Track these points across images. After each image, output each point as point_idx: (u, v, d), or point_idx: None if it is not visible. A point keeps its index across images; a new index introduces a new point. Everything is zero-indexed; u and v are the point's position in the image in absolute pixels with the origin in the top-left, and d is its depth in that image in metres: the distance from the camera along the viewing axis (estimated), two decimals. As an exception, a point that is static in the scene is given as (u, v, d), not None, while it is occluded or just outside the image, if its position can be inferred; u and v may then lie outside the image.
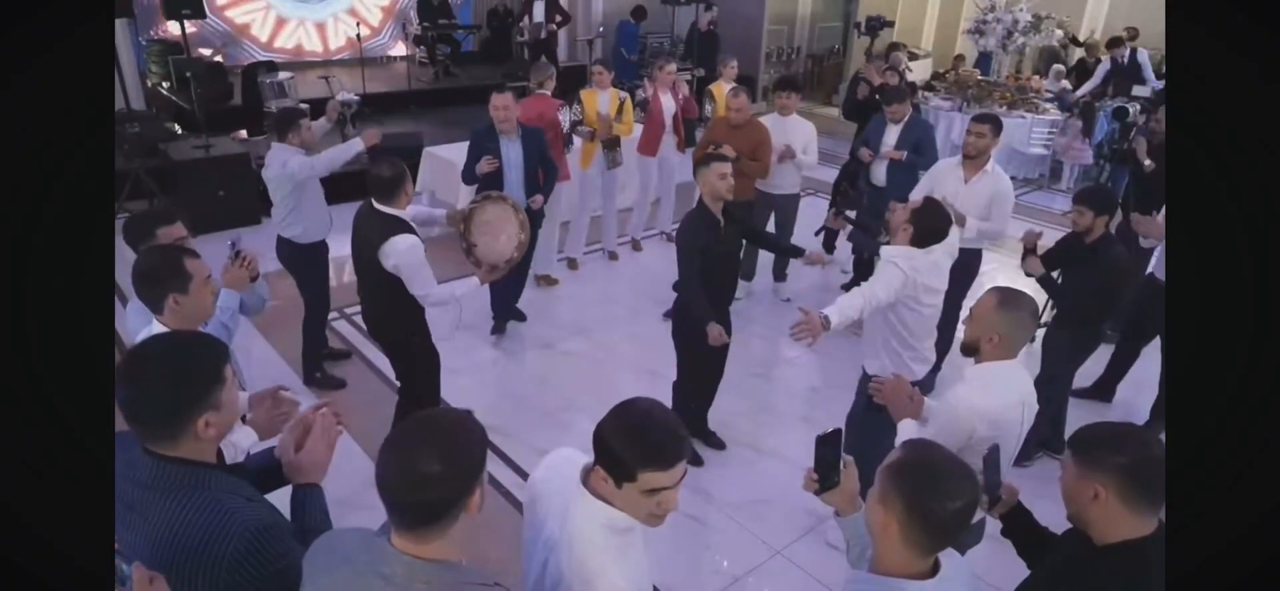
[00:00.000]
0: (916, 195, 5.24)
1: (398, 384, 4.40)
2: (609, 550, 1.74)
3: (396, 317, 4.00)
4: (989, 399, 2.58)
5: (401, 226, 3.77)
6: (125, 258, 2.56)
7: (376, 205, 3.80)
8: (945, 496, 1.64)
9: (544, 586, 1.83)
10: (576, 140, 6.72)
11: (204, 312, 2.52)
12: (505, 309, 5.91)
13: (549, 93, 6.42)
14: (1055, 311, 4.61)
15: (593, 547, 1.73)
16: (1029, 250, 4.42)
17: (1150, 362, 5.06)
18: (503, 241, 4.31)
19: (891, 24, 13.36)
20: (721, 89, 7.22)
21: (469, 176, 5.39)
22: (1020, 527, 2.36)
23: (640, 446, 1.67)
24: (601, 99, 6.69)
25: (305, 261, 4.99)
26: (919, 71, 12.20)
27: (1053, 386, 4.45)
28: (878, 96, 6.32)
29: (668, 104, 7.16)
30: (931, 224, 3.48)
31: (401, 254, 3.71)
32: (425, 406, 4.21)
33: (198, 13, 8.16)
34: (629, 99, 7.02)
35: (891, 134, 6.05)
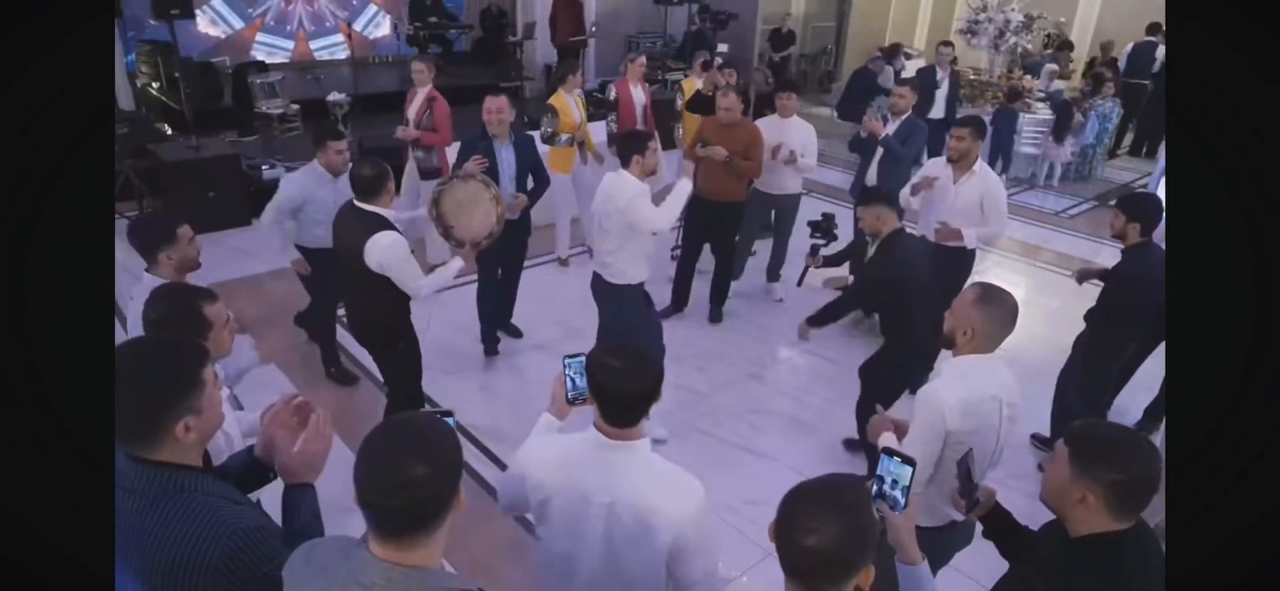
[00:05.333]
0: (907, 194, 5.32)
1: (387, 386, 4.39)
2: (670, 468, 2.09)
3: (381, 317, 3.96)
4: (959, 390, 2.60)
5: (383, 223, 3.73)
6: (124, 265, 2.51)
7: (358, 204, 3.77)
8: (803, 529, 1.48)
9: (615, 546, 2.05)
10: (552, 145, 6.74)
11: (221, 355, 2.46)
12: (493, 329, 5.72)
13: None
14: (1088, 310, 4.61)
15: (665, 473, 2.06)
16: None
17: (1149, 364, 5.09)
18: (479, 217, 4.27)
19: (736, 16, 13.28)
20: (691, 84, 7.29)
21: None
22: (1001, 529, 2.36)
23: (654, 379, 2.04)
24: (571, 103, 6.73)
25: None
26: (912, 71, 12.25)
27: (1081, 389, 4.52)
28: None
29: (638, 96, 7.28)
30: (629, 144, 4.28)
31: (384, 249, 3.67)
32: (416, 404, 4.23)
33: (186, 13, 8.12)
34: (583, 97, 7.13)
35: (889, 125, 6.21)
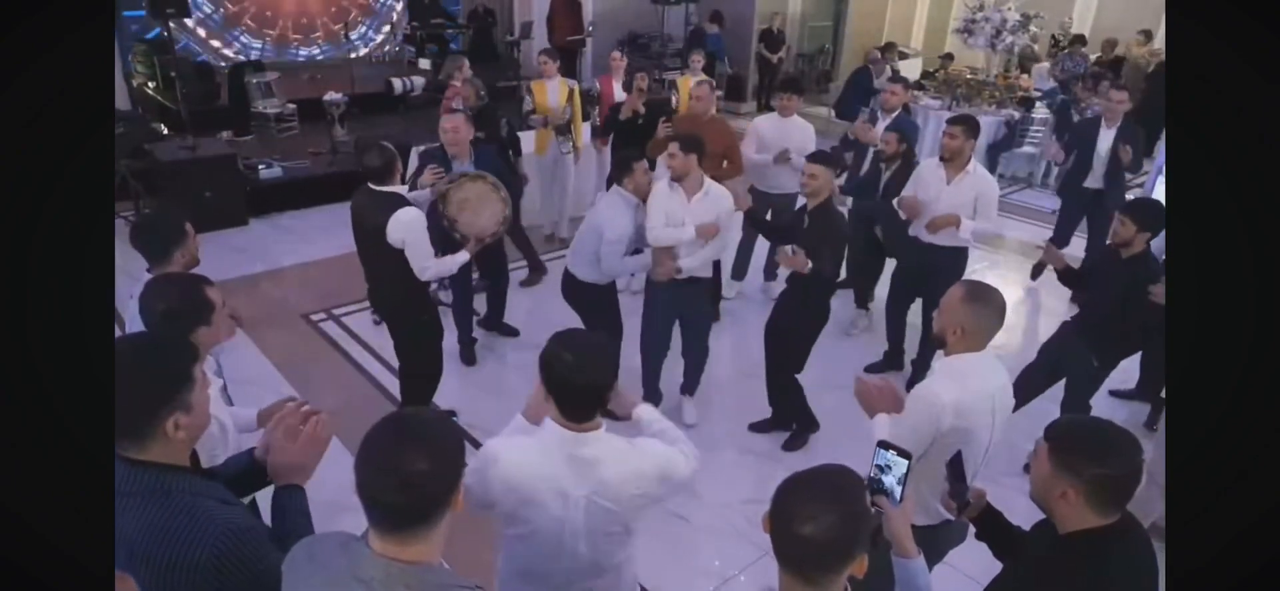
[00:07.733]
0: (902, 195, 5.31)
1: (401, 365, 4.53)
2: (634, 443, 2.17)
3: (406, 292, 4.14)
4: (954, 390, 2.60)
5: (402, 200, 3.97)
6: (122, 267, 2.50)
7: (373, 188, 4.00)
8: (799, 518, 1.48)
9: (597, 534, 2.13)
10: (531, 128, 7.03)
11: (220, 339, 2.50)
12: (469, 336, 5.60)
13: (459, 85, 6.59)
14: (1077, 314, 4.52)
15: (635, 451, 2.14)
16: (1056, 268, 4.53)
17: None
18: (485, 217, 4.47)
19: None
20: (687, 82, 7.32)
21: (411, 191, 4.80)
22: (993, 529, 2.37)
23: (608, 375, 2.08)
24: (550, 88, 6.98)
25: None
26: (908, 70, 12.27)
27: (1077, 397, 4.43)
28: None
29: (619, 92, 7.39)
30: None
31: (407, 225, 3.89)
32: (433, 382, 4.48)
33: (183, 12, 8.10)
34: (577, 87, 7.29)
35: (882, 124, 6.21)
